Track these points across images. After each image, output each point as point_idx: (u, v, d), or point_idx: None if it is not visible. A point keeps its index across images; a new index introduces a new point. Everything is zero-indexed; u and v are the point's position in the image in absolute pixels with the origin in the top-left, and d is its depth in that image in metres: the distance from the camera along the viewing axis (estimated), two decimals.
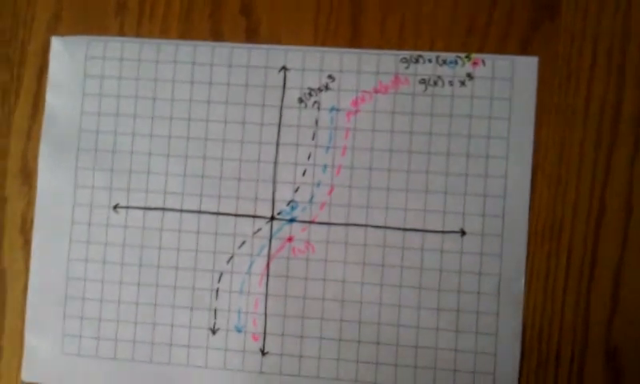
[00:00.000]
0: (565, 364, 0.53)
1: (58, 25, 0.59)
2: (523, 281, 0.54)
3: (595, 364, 0.53)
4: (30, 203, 0.58)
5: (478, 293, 0.54)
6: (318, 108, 0.56)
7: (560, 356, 0.54)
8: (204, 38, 0.57)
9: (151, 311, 0.57)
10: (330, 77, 0.56)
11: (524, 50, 0.54)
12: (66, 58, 0.58)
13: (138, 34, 0.58)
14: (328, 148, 0.56)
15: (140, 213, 0.57)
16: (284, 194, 0.56)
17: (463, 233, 0.54)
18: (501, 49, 0.55)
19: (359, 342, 0.55)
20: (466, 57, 0.55)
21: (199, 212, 0.56)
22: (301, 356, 0.55)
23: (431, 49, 0.55)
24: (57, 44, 0.58)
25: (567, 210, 0.54)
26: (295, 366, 0.55)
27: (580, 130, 0.54)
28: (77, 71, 0.58)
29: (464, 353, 0.54)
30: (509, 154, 0.54)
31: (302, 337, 0.55)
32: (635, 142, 0.53)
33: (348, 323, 0.55)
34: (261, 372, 0.55)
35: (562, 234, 0.54)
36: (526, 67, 0.54)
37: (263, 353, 0.55)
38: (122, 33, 0.58)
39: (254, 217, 0.56)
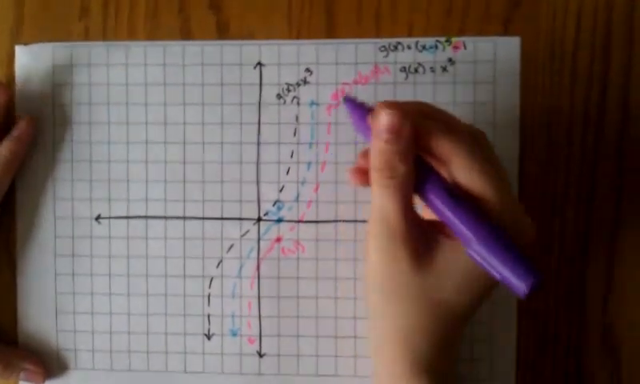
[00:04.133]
0: (562, 344, 0.54)
1: (21, 33, 0.56)
2: None
3: (592, 343, 0.54)
4: (11, 218, 0.57)
5: None
6: (298, 103, 0.54)
7: (557, 335, 0.54)
8: (173, 37, 0.55)
9: (144, 320, 0.56)
10: (307, 70, 0.54)
11: (505, 29, 0.53)
12: (32, 67, 0.56)
13: (104, 37, 0.56)
14: (311, 144, 0.54)
15: (123, 222, 0.56)
16: (269, 194, 0.55)
17: None
18: (482, 30, 0.53)
19: (355, 337, 0.54)
20: (446, 41, 0.53)
21: (184, 218, 0.55)
22: (298, 355, 0.55)
23: (410, 34, 0.53)
24: (21, 53, 0.56)
25: (558, 191, 0.53)
26: (293, 365, 0.55)
27: (567, 108, 0.53)
28: (45, 80, 0.56)
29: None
30: (495, 139, 0.53)
31: (298, 336, 0.55)
32: (622, 119, 0.52)
33: (343, 320, 0.54)
34: (259, 374, 0.55)
35: (554, 215, 0.53)
36: (509, 48, 0.53)
37: (260, 355, 0.55)
38: (87, 37, 0.56)
39: (241, 219, 0.55)
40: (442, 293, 0.41)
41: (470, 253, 0.40)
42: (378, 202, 0.42)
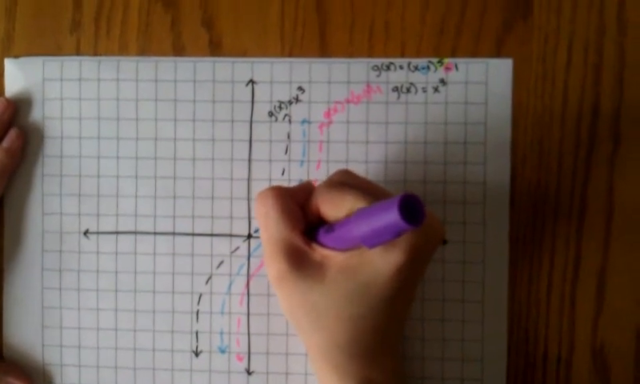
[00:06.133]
0: (552, 365, 0.54)
1: (11, 46, 0.56)
2: (507, 286, 0.53)
3: (582, 364, 0.54)
4: None
5: (462, 301, 0.54)
6: (289, 121, 0.54)
7: (547, 358, 0.54)
8: (165, 53, 0.55)
9: (131, 336, 0.55)
10: (299, 88, 0.54)
11: (497, 51, 0.53)
12: (22, 80, 0.55)
13: (95, 52, 0.55)
14: (302, 162, 0.54)
15: (112, 237, 0.55)
16: None
17: (445, 242, 0.53)
18: (474, 52, 0.53)
19: None
20: (439, 62, 0.53)
21: (173, 234, 0.55)
22: (287, 373, 0.55)
23: (402, 54, 0.54)
24: (11, 66, 0.56)
25: (548, 212, 0.53)
26: (282, 383, 0.55)
27: (558, 130, 0.53)
28: (35, 94, 0.55)
29: (451, 361, 0.54)
30: (487, 160, 0.53)
31: (287, 354, 0.55)
32: (614, 140, 0.53)
33: None
34: None
35: (545, 236, 0.53)
36: (501, 69, 0.53)
37: (249, 372, 0.55)
38: (78, 51, 0.55)
39: (231, 236, 0.55)
40: (338, 309, 0.43)
41: (368, 243, 0.40)
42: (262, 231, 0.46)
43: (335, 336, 0.44)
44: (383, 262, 0.41)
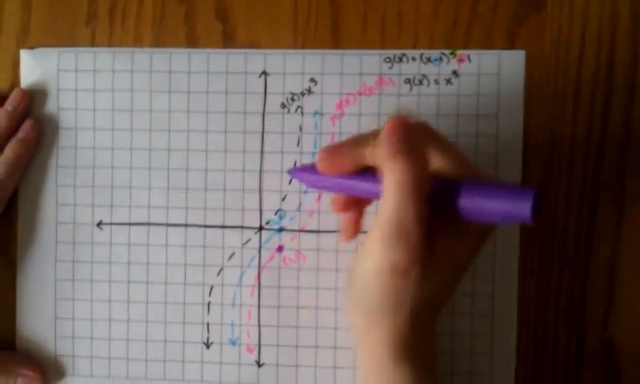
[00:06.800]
0: (561, 359, 0.53)
1: (27, 37, 0.56)
2: (517, 280, 0.53)
3: (592, 359, 0.53)
4: (12, 222, 0.57)
5: (472, 294, 0.53)
6: (302, 113, 0.55)
7: (556, 352, 0.53)
8: (179, 45, 0.55)
9: (143, 328, 0.56)
10: (312, 80, 0.54)
11: (510, 43, 0.53)
12: (37, 71, 0.56)
13: (110, 43, 0.56)
14: (314, 154, 0.54)
15: (125, 229, 0.56)
16: (271, 202, 0.55)
17: None
18: (486, 44, 0.53)
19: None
20: (451, 53, 0.53)
21: (185, 225, 0.55)
22: (297, 365, 0.55)
23: (415, 46, 0.54)
24: (26, 57, 0.56)
25: (560, 205, 0.53)
26: (292, 376, 0.55)
27: (570, 123, 0.53)
28: (49, 85, 0.56)
29: (460, 354, 0.53)
30: (498, 152, 0.53)
31: (297, 346, 0.55)
32: (626, 133, 0.52)
33: (342, 331, 0.54)
34: (257, 383, 0.55)
35: (555, 230, 0.53)
36: (513, 62, 0.53)
37: (259, 364, 0.55)
38: (93, 42, 0.56)
39: (242, 228, 0.55)
40: (432, 294, 0.42)
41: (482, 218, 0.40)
42: (392, 202, 0.39)
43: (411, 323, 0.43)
44: (472, 243, 0.42)
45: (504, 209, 0.38)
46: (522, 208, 0.38)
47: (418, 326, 0.42)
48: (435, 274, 0.41)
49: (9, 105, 0.55)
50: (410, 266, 0.39)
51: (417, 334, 0.42)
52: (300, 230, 0.55)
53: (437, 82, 0.54)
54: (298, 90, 0.55)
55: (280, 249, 0.55)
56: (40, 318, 0.56)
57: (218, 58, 0.55)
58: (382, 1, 0.54)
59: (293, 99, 0.55)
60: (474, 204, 0.39)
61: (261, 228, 0.55)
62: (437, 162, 0.41)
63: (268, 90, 0.55)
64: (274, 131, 0.55)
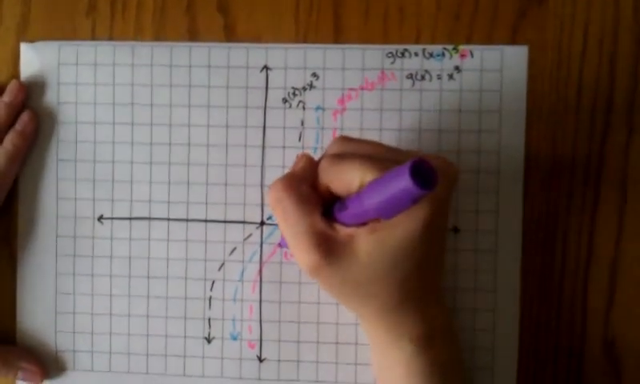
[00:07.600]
0: (563, 356, 0.53)
1: (27, 30, 0.56)
2: (519, 276, 0.53)
3: (593, 356, 0.53)
4: (12, 216, 0.57)
5: (475, 290, 0.53)
6: (303, 108, 0.54)
7: (558, 349, 0.53)
8: (180, 38, 0.55)
9: (144, 322, 0.56)
10: (314, 75, 0.54)
11: (513, 38, 0.53)
12: (37, 64, 0.56)
13: (111, 36, 0.56)
14: (315, 149, 0.54)
15: (126, 223, 0.56)
16: None
17: (457, 230, 0.53)
18: (489, 39, 0.53)
19: (356, 344, 0.54)
20: (454, 49, 0.53)
21: (187, 220, 0.55)
22: (299, 361, 0.55)
23: (417, 41, 0.53)
24: (26, 50, 0.56)
25: (561, 202, 0.53)
26: (293, 371, 0.55)
27: (573, 118, 0.53)
28: (50, 78, 0.56)
29: (463, 350, 0.53)
30: (500, 148, 0.53)
31: (298, 342, 0.55)
32: (628, 130, 0.52)
33: (344, 326, 0.54)
34: (259, 379, 0.55)
35: (557, 226, 0.53)
36: (516, 57, 0.53)
37: (260, 359, 0.55)
38: (94, 35, 0.56)
39: (244, 223, 0.55)
40: (380, 278, 0.43)
41: (385, 215, 0.40)
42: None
43: (384, 302, 0.44)
44: (410, 221, 0.41)
45: (393, 194, 0.37)
46: (404, 184, 0.36)
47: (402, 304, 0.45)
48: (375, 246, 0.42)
49: (6, 96, 0.55)
50: (320, 262, 0.43)
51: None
52: None
53: (439, 77, 0.53)
54: (299, 85, 0.54)
55: (281, 244, 0.55)
56: (40, 313, 0.56)
57: (219, 53, 0.55)
58: None
59: (294, 94, 0.54)
60: (376, 203, 0.39)
61: (262, 223, 0.55)
62: (339, 186, 0.44)
63: (269, 85, 0.55)
64: (276, 126, 0.55)
